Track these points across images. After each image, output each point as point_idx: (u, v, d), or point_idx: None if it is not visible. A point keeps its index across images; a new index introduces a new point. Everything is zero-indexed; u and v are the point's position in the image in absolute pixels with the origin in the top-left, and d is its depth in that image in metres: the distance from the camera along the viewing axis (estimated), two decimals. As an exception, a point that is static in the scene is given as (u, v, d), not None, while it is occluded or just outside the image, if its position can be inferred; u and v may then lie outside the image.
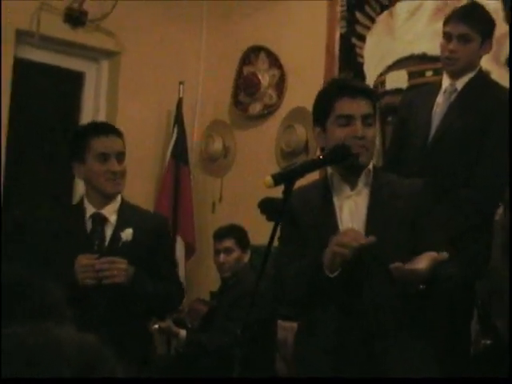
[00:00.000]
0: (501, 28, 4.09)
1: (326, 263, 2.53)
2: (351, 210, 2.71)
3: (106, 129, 3.21)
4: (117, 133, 3.21)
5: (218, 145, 5.72)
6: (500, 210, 4.00)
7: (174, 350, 4.45)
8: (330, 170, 2.80)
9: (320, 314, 2.68)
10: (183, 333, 4.35)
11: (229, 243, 4.47)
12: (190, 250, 5.53)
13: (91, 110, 5.54)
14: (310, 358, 2.71)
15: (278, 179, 2.46)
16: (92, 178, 3.16)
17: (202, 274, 5.55)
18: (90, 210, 3.20)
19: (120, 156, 3.16)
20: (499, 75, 4.10)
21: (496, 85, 3.80)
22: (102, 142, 3.12)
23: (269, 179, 2.45)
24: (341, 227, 2.68)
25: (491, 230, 3.75)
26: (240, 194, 5.44)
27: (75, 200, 4.57)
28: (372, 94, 2.82)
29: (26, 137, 5.24)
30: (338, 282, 2.54)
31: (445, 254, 2.43)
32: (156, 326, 4.26)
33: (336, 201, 2.74)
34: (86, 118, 5.46)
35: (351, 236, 2.49)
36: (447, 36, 3.63)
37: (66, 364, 1.08)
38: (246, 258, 4.51)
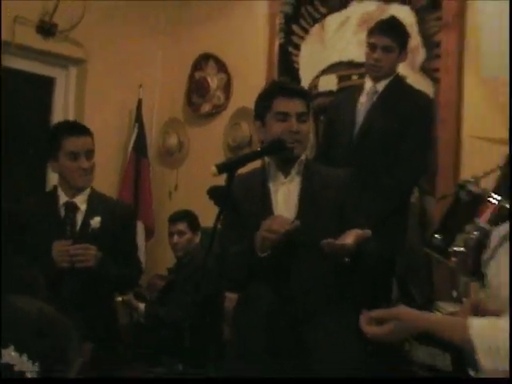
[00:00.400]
0: (414, 40, 4.17)
1: (257, 246, 2.53)
2: (285, 196, 2.71)
3: (76, 129, 3.16)
4: (86, 132, 3.16)
5: (173, 140, 5.72)
6: (416, 194, 4.12)
7: (136, 320, 4.43)
8: (267, 160, 2.80)
9: (255, 293, 2.67)
10: (142, 306, 4.36)
11: (181, 226, 4.47)
12: (149, 233, 5.53)
13: (61, 111, 5.48)
14: (245, 330, 2.70)
15: (221, 168, 2.45)
16: (65, 173, 3.13)
17: (160, 253, 5.52)
18: (62, 198, 3.18)
19: (89, 154, 3.12)
20: (414, 80, 4.17)
21: (411, 87, 3.84)
22: (72, 142, 3.08)
23: (213, 168, 2.45)
24: (275, 211, 2.68)
25: (407, 213, 3.82)
26: (193, 183, 5.42)
27: (48, 188, 4.50)
28: (306, 95, 2.83)
29: (3, 136, 5.15)
30: (269, 263, 2.54)
31: (368, 232, 2.44)
32: (119, 299, 4.24)
33: (272, 187, 2.74)
34: (56, 118, 5.40)
35: (278, 222, 2.48)
36: (372, 46, 3.68)
37: (27, 325, 1.08)
38: (197, 239, 4.52)
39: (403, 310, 1.71)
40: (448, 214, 3.33)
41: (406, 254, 3.98)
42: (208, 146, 5.45)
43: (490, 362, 1.57)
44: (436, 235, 3.29)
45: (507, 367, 1.56)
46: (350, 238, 2.41)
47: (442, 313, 3.17)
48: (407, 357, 3.24)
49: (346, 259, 2.48)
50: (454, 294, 3.14)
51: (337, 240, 2.41)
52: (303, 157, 2.75)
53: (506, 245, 1.71)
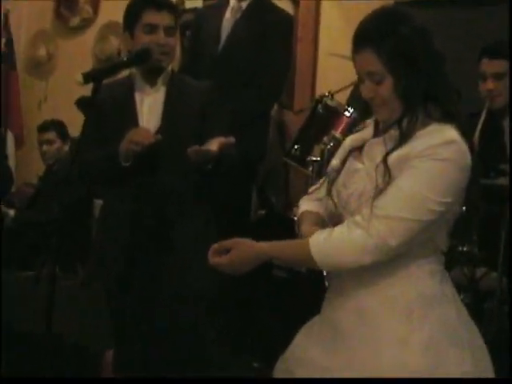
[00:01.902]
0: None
1: (121, 155, 2.43)
2: (150, 106, 2.58)
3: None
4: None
5: (42, 52, 5.47)
6: (275, 107, 4.06)
7: (6, 226, 4.20)
8: (134, 70, 2.63)
9: (117, 198, 2.57)
10: (12, 212, 4.20)
11: (50, 135, 4.30)
12: (18, 142, 5.31)
13: None
14: (106, 233, 2.61)
15: (87, 77, 2.24)
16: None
17: (30, 162, 5.25)
18: None
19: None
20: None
21: (273, 5, 3.72)
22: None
23: (79, 77, 2.23)
24: (141, 121, 2.56)
25: (268, 125, 3.76)
26: (62, 93, 5.14)
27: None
28: (175, 9, 2.64)
29: None
30: (133, 170, 2.45)
31: (232, 139, 2.36)
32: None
33: (137, 97, 2.60)
34: None
35: (142, 134, 2.40)
36: None
37: None
38: (66, 147, 4.34)
39: (239, 240, 1.72)
40: (305, 127, 3.36)
41: (266, 163, 3.94)
42: (77, 58, 5.21)
43: (326, 267, 1.67)
44: (295, 146, 3.32)
45: (340, 266, 1.65)
46: (214, 144, 2.32)
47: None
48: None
49: (210, 166, 2.41)
50: None
51: (202, 147, 2.34)
52: (169, 68, 2.62)
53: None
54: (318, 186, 1.89)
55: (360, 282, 1.68)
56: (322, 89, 3.63)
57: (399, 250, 1.63)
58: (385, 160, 1.63)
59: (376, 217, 1.61)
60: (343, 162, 1.77)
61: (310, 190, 1.91)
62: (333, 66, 3.86)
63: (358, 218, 1.63)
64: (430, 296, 1.67)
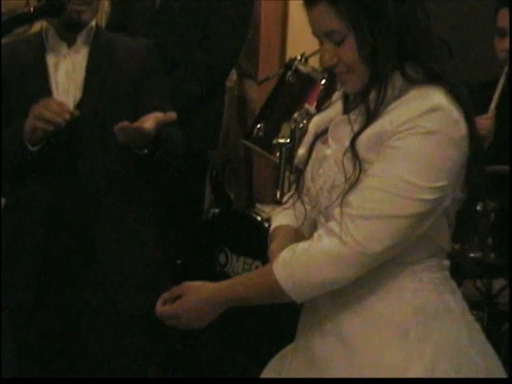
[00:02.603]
0: None
1: (27, 136, 2.39)
2: (68, 71, 2.55)
3: None
4: None
5: None
6: (234, 77, 4.06)
7: None
8: (45, 25, 2.60)
9: (27, 193, 2.56)
10: None
11: None
12: None
13: None
14: (18, 233, 2.58)
15: (-22, 34, 2.18)
16: None
17: None
18: None
19: None
20: None
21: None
22: None
23: (-33, 33, 2.17)
24: (55, 91, 2.52)
25: (223, 99, 3.73)
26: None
27: None
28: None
29: None
30: (45, 156, 2.43)
31: (172, 114, 2.34)
32: None
33: (51, 60, 2.56)
34: None
35: (54, 109, 2.33)
36: None
37: None
38: None
39: (190, 284, 1.75)
40: (271, 100, 3.37)
41: (222, 148, 3.94)
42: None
43: (300, 295, 1.66)
44: (257, 125, 3.32)
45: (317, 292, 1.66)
46: (149, 121, 2.30)
47: (262, 217, 3.19)
48: (223, 271, 3.27)
49: (145, 150, 2.39)
50: (278, 194, 3.06)
51: (133, 124, 2.31)
52: (93, 23, 2.60)
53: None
54: (292, 192, 1.90)
55: (339, 298, 1.69)
56: (293, 52, 3.60)
57: (385, 257, 1.62)
58: (352, 144, 1.64)
59: (349, 218, 1.61)
60: (309, 149, 1.79)
61: (285, 199, 1.94)
62: (307, 24, 3.84)
63: (330, 223, 1.64)
64: (430, 312, 1.67)
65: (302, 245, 1.66)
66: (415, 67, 1.66)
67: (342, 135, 1.70)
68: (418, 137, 1.59)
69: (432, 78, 1.65)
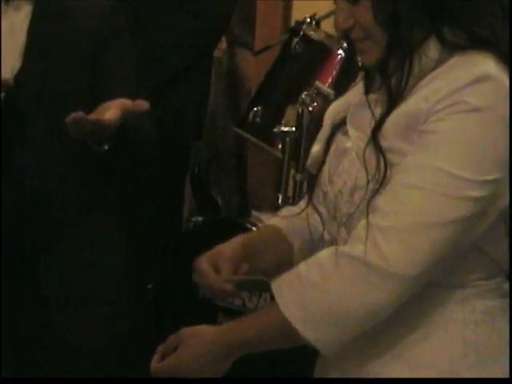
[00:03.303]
0: None
1: None
2: (5, 33, 2.56)
3: None
4: None
5: None
6: (223, 45, 4.10)
7: None
8: None
9: None
10: None
11: None
12: None
13: None
14: None
15: None
16: None
17: None
18: None
19: None
20: None
21: None
22: None
23: None
24: None
25: (209, 74, 3.76)
26: None
27: None
28: None
29: None
30: None
31: (143, 103, 2.34)
32: None
33: None
34: None
35: None
36: None
37: None
38: None
39: (187, 330, 1.80)
40: (272, 76, 3.39)
41: (207, 139, 3.99)
42: None
43: (312, 333, 1.64)
44: (254, 108, 3.33)
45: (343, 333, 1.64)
46: (110, 111, 2.31)
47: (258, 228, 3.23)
48: (207, 298, 3.24)
49: (105, 147, 2.40)
50: (280, 198, 3.12)
51: (91, 114, 2.32)
52: None
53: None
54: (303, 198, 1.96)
55: (366, 337, 1.68)
56: (300, 14, 3.62)
57: (427, 279, 1.62)
58: (374, 132, 1.66)
59: (378, 229, 1.60)
60: (327, 144, 1.82)
61: (294, 209, 1.97)
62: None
63: (351, 237, 1.65)
64: (485, 352, 1.68)
65: (313, 265, 1.65)
66: (456, 31, 1.66)
67: (362, 121, 1.71)
68: (462, 115, 1.58)
69: (478, 42, 1.65)
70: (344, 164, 1.73)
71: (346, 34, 1.71)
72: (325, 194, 1.79)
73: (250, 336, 1.72)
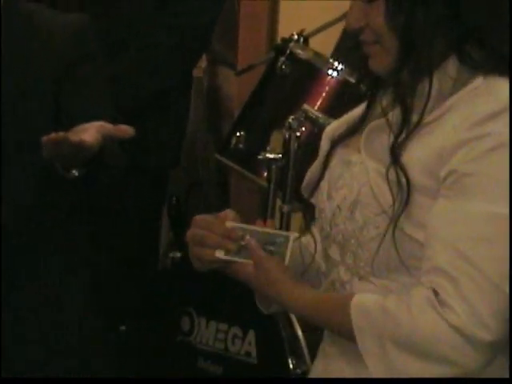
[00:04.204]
0: None
1: None
2: None
3: None
4: None
5: None
6: (203, 63, 4.14)
7: None
8: None
9: None
10: None
11: None
12: None
13: None
14: None
15: None
16: None
17: None
18: None
19: None
20: None
21: None
22: None
23: None
24: None
25: (188, 96, 3.71)
26: None
27: None
28: None
29: None
30: None
31: (128, 129, 2.32)
32: None
33: None
34: None
35: None
36: None
37: None
38: None
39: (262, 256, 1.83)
40: (257, 97, 3.39)
41: (186, 166, 3.99)
42: None
43: (380, 368, 1.68)
44: (237, 133, 3.31)
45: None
46: (90, 133, 2.29)
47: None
48: (186, 341, 3.25)
49: (74, 172, 2.36)
50: None
51: (69, 134, 2.28)
52: None
53: None
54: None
55: None
56: (287, 30, 3.64)
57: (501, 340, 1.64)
58: (394, 159, 1.68)
59: (460, 297, 1.60)
60: (325, 161, 1.85)
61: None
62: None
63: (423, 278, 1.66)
64: None
65: (402, 304, 1.65)
66: (477, 50, 1.68)
67: (376, 145, 1.74)
68: (493, 153, 1.60)
69: (502, 64, 1.67)
70: (345, 177, 1.75)
71: (356, 36, 1.74)
72: (321, 211, 1.81)
73: (306, 307, 1.77)
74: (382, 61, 1.72)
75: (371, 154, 1.74)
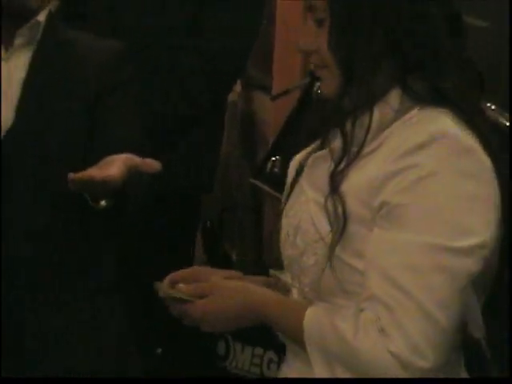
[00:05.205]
0: None
1: None
2: (5, 79, 2.57)
3: None
4: None
5: None
6: (238, 88, 4.16)
7: None
8: None
9: None
10: None
11: None
12: None
13: None
14: None
15: None
16: None
17: None
18: None
19: None
20: None
21: None
22: None
23: None
24: None
25: (221, 121, 3.74)
26: None
27: None
28: None
29: None
30: None
31: (155, 164, 2.33)
32: None
33: None
34: None
35: None
36: None
37: None
38: None
39: (217, 282, 1.95)
40: (292, 122, 3.41)
41: (220, 191, 3.98)
42: None
43: (324, 371, 1.74)
44: (272, 158, 3.37)
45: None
46: (115, 167, 2.31)
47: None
48: (222, 366, 3.32)
49: (103, 202, 2.40)
50: None
51: (94, 170, 2.32)
52: (42, 16, 2.63)
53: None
54: None
55: None
56: None
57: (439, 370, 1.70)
58: (333, 188, 1.74)
59: (394, 324, 1.67)
60: (291, 188, 1.93)
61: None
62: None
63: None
64: None
65: (351, 324, 1.71)
66: (419, 82, 1.75)
67: (317, 175, 1.81)
68: (420, 182, 1.66)
69: (439, 96, 1.73)
70: (296, 206, 1.85)
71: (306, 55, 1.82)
72: (283, 241, 1.89)
73: (273, 319, 1.87)
74: (330, 84, 1.79)
75: (312, 183, 1.81)
